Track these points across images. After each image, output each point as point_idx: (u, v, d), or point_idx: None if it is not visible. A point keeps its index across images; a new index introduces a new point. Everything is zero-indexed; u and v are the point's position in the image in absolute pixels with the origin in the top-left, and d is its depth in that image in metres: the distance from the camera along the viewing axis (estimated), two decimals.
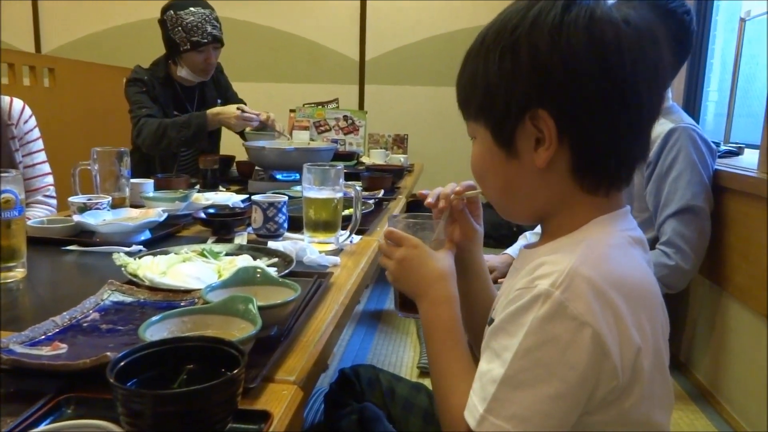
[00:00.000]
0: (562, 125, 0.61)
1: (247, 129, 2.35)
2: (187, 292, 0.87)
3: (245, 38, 4.19)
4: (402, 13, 4.18)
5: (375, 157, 2.93)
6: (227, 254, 1.05)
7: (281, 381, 0.68)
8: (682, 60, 1.76)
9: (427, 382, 0.91)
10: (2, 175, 0.99)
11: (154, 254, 1.02)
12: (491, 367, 0.61)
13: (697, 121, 2.55)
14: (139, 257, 1.00)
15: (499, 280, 1.62)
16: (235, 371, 0.53)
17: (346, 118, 3.29)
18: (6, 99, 1.58)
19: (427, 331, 0.77)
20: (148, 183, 1.67)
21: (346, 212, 1.36)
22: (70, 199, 1.39)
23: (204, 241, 1.24)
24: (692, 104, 2.82)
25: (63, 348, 0.69)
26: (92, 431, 0.49)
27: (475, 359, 0.69)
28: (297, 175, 2.00)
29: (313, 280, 1.00)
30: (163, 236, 1.34)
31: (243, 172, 2.29)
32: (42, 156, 1.66)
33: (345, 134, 3.29)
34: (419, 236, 0.83)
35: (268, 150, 2.03)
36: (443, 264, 0.79)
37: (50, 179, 1.67)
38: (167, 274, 0.93)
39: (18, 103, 1.60)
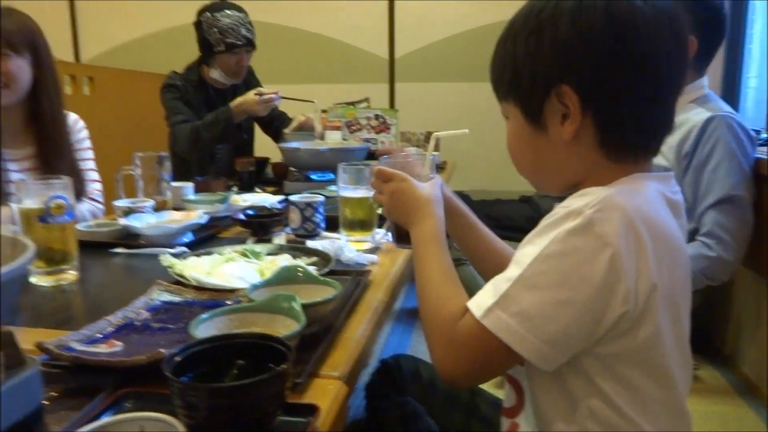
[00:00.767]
0: (585, 99, 0.66)
1: (286, 130, 2.39)
2: (232, 291, 0.90)
3: (276, 41, 4.24)
4: (430, 10, 4.18)
5: None
6: (268, 254, 1.08)
7: (326, 376, 0.70)
8: (715, 44, 1.72)
9: None
10: (54, 182, 1.03)
11: (198, 255, 1.05)
12: (508, 271, 0.64)
13: (737, 109, 2.48)
14: (184, 258, 1.04)
15: None
16: (284, 366, 0.55)
17: (377, 117, 3.30)
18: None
19: (414, 248, 0.83)
20: (189, 186, 1.72)
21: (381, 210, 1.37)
22: (115, 203, 1.45)
23: (243, 242, 1.27)
24: (731, 91, 2.75)
25: (118, 345, 0.72)
26: (153, 423, 0.51)
27: None
28: (331, 174, 2.02)
29: (352, 278, 1.02)
30: (205, 238, 1.38)
31: (278, 173, 2.32)
32: (91, 164, 1.73)
33: (377, 133, 3.31)
34: (408, 172, 0.90)
35: (302, 151, 2.06)
36: (428, 191, 0.86)
37: (99, 185, 1.74)
38: (212, 274, 0.96)
39: (72, 115, 1.68)
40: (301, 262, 1.04)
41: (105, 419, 0.55)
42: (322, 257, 1.09)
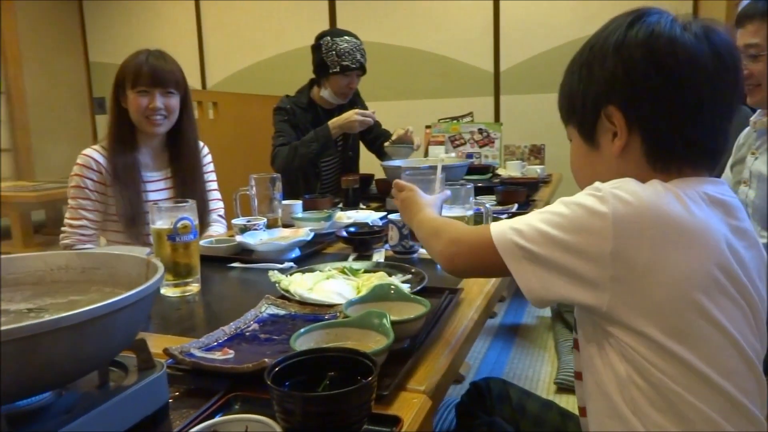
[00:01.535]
0: (630, 118, 0.75)
1: (386, 143, 2.49)
2: (331, 306, 0.98)
3: (381, 59, 4.38)
4: (536, 21, 4.13)
5: (511, 169, 2.92)
6: (365, 271, 1.15)
7: (412, 390, 0.75)
8: None
9: (561, 400, 0.94)
10: (180, 204, 1.17)
11: (303, 272, 1.14)
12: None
13: None
14: (290, 274, 1.13)
15: None
16: (369, 379, 0.60)
17: (480, 131, 3.32)
18: None
19: (417, 231, 1.00)
20: (297, 204, 1.84)
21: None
22: (233, 221, 1.59)
23: (346, 258, 1.36)
24: None
25: (231, 353, 0.82)
26: (256, 424, 0.59)
27: None
28: None
29: (445, 295, 1.06)
30: (311, 253, 1.48)
31: (382, 189, 2.42)
32: (215, 185, 1.93)
33: (480, 147, 3.32)
34: (421, 187, 1.14)
35: (403, 168, 2.13)
36: (429, 199, 1.09)
37: (221, 204, 1.93)
38: (314, 290, 1.04)
39: (200, 143, 1.89)
40: (396, 279, 1.10)
41: (217, 419, 0.64)
42: (417, 275, 1.14)
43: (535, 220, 0.72)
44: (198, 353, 0.81)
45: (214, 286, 1.27)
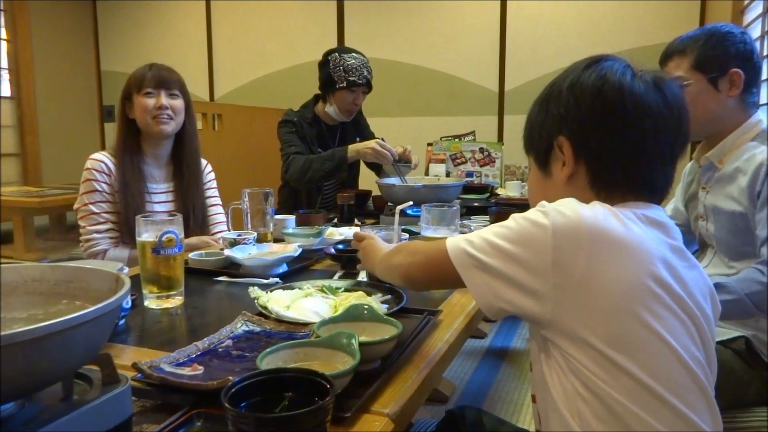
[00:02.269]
0: (577, 149, 0.82)
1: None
2: (306, 324, 0.98)
3: (386, 76, 4.42)
4: (542, 42, 4.16)
5: (510, 189, 2.93)
6: (345, 290, 1.16)
7: (375, 412, 0.75)
8: (752, 78, 1.60)
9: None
10: (166, 218, 1.19)
11: (284, 288, 1.15)
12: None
13: None
14: (271, 291, 1.14)
15: None
16: (324, 401, 0.61)
17: (482, 150, 3.33)
18: None
19: (381, 275, 1.06)
20: (291, 219, 1.86)
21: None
22: (223, 234, 1.61)
23: (332, 275, 1.36)
24: None
25: (200, 369, 0.83)
26: None
27: None
28: None
29: (423, 317, 1.07)
30: (298, 269, 1.49)
31: (378, 206, 2.43)
32: (217, 200, 1.97)
33: (481, 166, 3.33)
34: (381, 237, 1.20)
35: (398, 187, 2.15)
36: (387, 246, 1.12)
37: (223, 218, 1.96)
38: (291, 307, 1.05)
39: (202, 160, 1.93)
40: (376, 299, 1.11)
41: None
42: (396, 295, 1.14)
43: (487, 232, 0.78)
44: (167, 368, 0.82)
45: (198, 300, 1.28)
